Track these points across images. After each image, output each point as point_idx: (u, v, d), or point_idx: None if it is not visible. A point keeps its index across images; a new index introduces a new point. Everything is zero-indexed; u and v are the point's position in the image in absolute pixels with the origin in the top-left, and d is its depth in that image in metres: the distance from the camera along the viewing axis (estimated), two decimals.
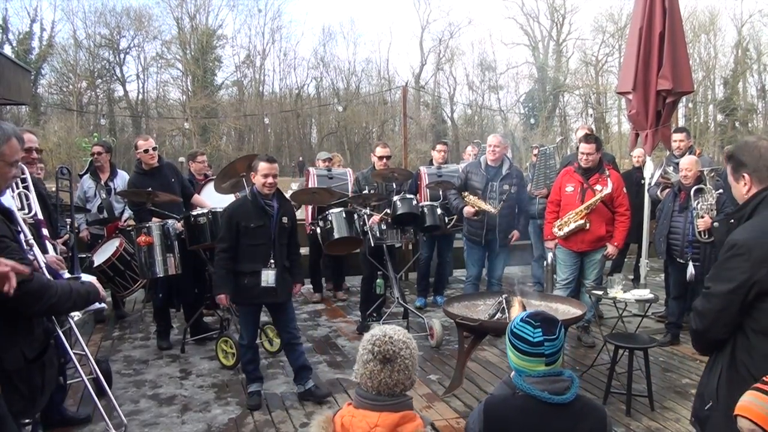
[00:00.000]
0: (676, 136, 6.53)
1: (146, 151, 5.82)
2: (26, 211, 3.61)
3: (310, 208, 7.59)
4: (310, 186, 7.27)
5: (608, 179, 5.59)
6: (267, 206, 4.52)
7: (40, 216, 3.70)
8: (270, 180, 4.49)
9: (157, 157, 5.89)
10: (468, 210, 6.22)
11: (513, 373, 2.23)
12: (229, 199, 6.70)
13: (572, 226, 5.64)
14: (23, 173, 3.77)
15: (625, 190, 5.75)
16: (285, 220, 4.64)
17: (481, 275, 6.72)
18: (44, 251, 3.53)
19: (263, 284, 4.49)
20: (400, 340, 2.05)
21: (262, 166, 4.48)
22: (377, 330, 2.11)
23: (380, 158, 6.67)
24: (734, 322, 2.28)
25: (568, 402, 2.07)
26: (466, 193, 6.25)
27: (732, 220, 2.47)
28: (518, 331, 2.17)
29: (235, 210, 4.55)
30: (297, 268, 4.84)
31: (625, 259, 8.29)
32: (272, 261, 4.52)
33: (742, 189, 2.44)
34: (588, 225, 5.59)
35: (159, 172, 5.88)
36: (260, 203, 4.51)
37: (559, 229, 5.72)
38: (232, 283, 4.52)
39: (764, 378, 1.97)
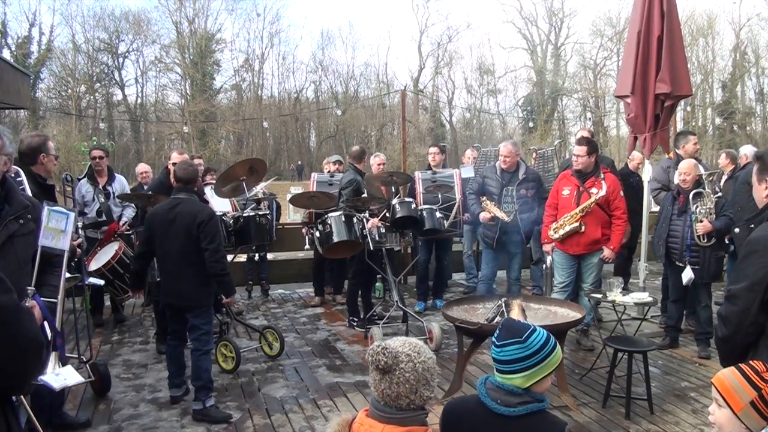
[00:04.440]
0: (693, 138, 6.50)
1: None
2: None
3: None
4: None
5: (603, 182, 5.60)
6: None
7: None
8: None
9: None
10: (484, 216, 6.31)
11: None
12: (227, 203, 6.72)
13: (567, 228, 5.65)
14: (19, 176, 3.78)
15: (622, 193, 5.76)
16: None
17: (494, 275, 6.77)
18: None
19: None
20: (403, 352, 1.98)
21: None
22: (384, 340, 2.06)
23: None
24: (758, 323, 2.25)
25: (514, 416, 2.01)
26: (484, 198, 6.34)
27: (752, 225, 2.47)
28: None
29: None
30: None
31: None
32: None
33: (763, 192, 2.44)
34: (583, 228, 5.61)
35: None
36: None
37: (555, 232, 5.74)
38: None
39: (753, 362, 2.02)
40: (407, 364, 1.96)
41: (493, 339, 2.13)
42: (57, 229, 2.95)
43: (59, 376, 2.97)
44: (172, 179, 5.69)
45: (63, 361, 3.09)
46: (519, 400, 2.03)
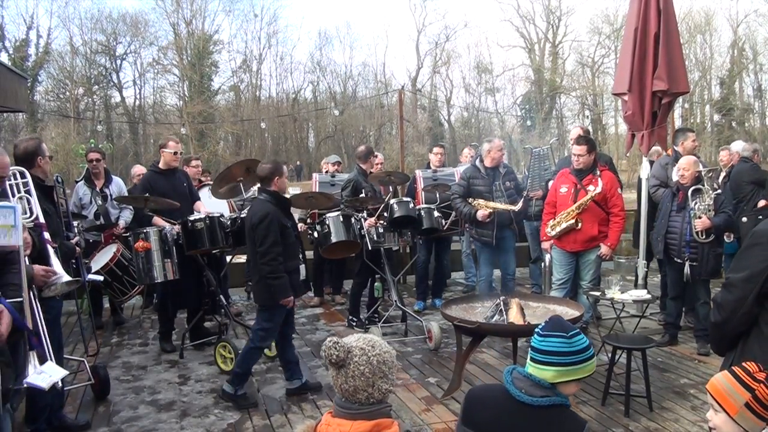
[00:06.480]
0: (691, 135, 6.48)
1: (175, 153, 6.08)
2: (27, 215, 3.61)
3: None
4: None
5: (599, 179, 5.62)
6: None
7: (42, 220, 3.70)
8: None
9: (177, 161, 6.22)
10: (483, 214, 6.24)
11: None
12: (224, 204, 6.72)
13: (564, 225, 5.69)
14: (24, 177, 3.76)
15: (619, 190, 5.78)
16: None
17: (493, 273, 6.79)
18: (46, 255, 3.52)
19: (302, 278, 4.87)
20: (356, 346, 1.95)
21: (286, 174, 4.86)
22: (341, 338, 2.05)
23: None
24: (752, 313, 2.27)
25: (536, 405, 2.05)
26: (472, 199, 6.34)
27: (760, 216, 2.50)
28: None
29: (274, 214, 4.59)
30: None
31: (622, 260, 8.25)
32: (300, 255, 4.84)
33: None
34: (579, 225, 5.63)
35: (173, 174, 6.09)
36: (285, 203, 4.82)
37: (552, 229, 5.77)
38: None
39: (745, 364, 2.02)
40: (361, 358, 1.93)
41: (537, 330, 2.19)
42: (6, 225, 2.80)
43: (43, 374, 2.89)
44: (162, 166, 6.05)
45: (42, 359, 2.99)
46: (543, 393, 2.07)
